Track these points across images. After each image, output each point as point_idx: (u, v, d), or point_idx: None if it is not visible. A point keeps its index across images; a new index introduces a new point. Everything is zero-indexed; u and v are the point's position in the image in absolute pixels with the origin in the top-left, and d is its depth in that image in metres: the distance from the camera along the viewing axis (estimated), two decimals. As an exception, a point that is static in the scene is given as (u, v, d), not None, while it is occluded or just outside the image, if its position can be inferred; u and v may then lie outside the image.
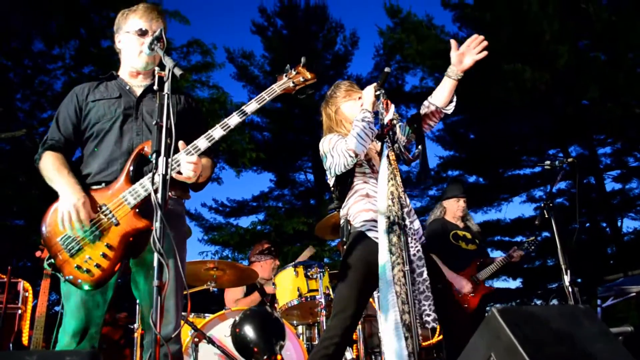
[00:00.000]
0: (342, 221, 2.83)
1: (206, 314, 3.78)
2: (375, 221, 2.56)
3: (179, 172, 2.11)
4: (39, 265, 3.85)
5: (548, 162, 3.91)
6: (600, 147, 15.82)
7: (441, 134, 18.03)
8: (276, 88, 2.39)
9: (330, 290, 3.81)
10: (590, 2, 12.02)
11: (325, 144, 2.79)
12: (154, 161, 1.80)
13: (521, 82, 12.23)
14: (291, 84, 2.41)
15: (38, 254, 3.81)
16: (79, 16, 11.64)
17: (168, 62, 1.93)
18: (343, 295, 2.56)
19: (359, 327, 3.83)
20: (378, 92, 2.63)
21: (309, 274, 3.73)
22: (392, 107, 2.60)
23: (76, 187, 2.13)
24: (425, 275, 2.34)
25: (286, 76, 2.42)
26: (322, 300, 3.58)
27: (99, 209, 2.12)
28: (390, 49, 16.38)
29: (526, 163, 16.73)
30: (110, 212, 2.11)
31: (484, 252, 4.89)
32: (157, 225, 1.69)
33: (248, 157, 12.43)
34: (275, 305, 3.80)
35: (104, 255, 2.07)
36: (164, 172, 1.76)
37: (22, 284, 3.94)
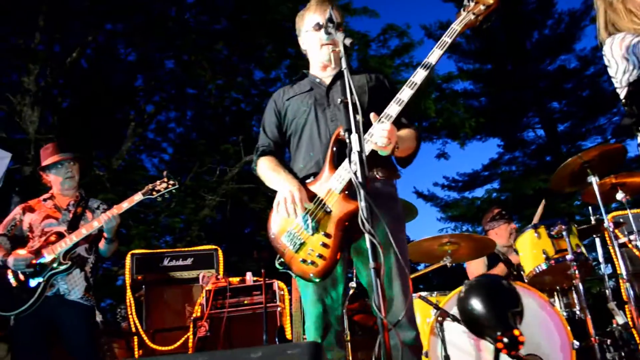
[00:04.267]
0: None
1: (447, 292, 3.63)
2: None
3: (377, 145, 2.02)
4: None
5: None
6: None
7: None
8: (456, 26, 2.19)
9: (582, 248, 3.31)
10: None
11: (616, 46, 2.32)
12: (346, 139, 1.74)
13: None
14: (472, 17, 2.18)
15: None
16: (284, 38, 12.65)
17: (339, 37, 1.87)
18: None
19: (629, 286, 3.25)
20: None
21: (552, 233, 3.30)
22: None
23: (291, 178, 2.22)
24: None
25: (464, 10, 2.20)
26: (575, 260, 3.13)
27: (312, 200, 2.16)
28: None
29: None
30: (322, 201, 2.13)
31: None
32: (362, 205, 1.62)
33: (468, 127, 11.96)
34: (522, 273, 3.46)
35: (324, 245, 2.08)
36: (358, 149, 1.68)
37: (277, 284, 4.34)
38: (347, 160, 2.09)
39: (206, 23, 13.18)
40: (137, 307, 4.90)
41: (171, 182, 3.23)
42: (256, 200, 11.50)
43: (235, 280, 4.47)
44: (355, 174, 1.67)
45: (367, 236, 1.60)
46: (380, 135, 2.00)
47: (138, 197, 3.19)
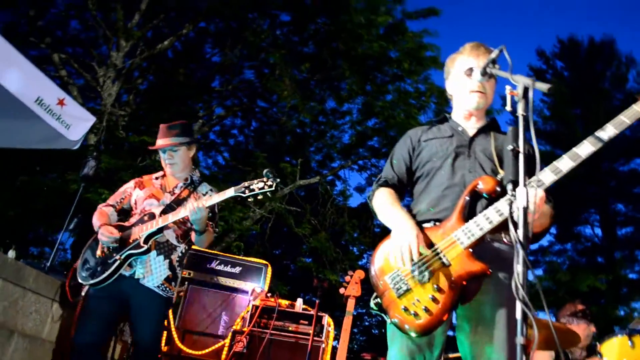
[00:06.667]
0: None
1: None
2: None
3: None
4: (343, 302, 4.00)
5: None
6: None
7: None
8: (624, 119, 1.94)
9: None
10: None
11: None
12: (509, 191, 1.56)
13: None
14: None
15: (342, 291, 3.95)
16: (367, 74, 12.67)
17: (521, 79, 1.69)
18: None
19: None
20: None
21: (650, 346, 2.99)
22: None
23: (410, 221, 2.03)
24: None
25: (638, 106, 1.97)
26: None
27: (429, 247, 1.96)
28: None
29: None
30: (441, 251, 1.94)
31: None
32: (519, 268, 1.43)
33: (529, 207, 11.55)
34: (603, 380, 3.14)
35: (433, 299, 1.88)
36: (525, 205, 1.49)
37: (326, 319, 4.11)
38: (481, 216, 1.92)
39: (295, 43, 13.37)
40: (175, 302, 4.77)
41: (269, 182, 2.89)
42: (301, 226, 11.35)
43: (284, 302, 4.28)
44: (516, 230, 1.48)
45: (519, 305, 1.39)
46: (531, 200, 1.78)
47: (230, 192, 2.93)
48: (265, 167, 3.13)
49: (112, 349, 4.02)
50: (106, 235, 3.00)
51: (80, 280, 3.06)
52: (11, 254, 4.04)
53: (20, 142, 5.38)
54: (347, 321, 3.84)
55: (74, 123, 5.06)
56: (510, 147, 1.62)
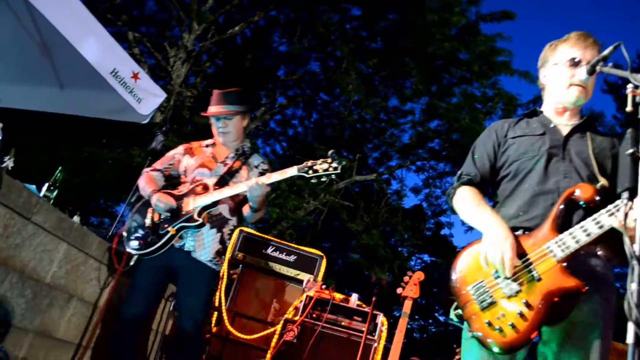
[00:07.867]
0: None
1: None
2: None
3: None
4: (400, 302, 3.87)
5: None
6: None
7: None
8: None
9: None
10: None
11: None
12: (624, 199, 1.40)
13: None
14: None
15: (399, 291, 3.82)
16: (434, 74, 12.38)
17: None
18: None
19: None
20: None
21: None
22: None
23: (504, 224, 1.86)
24: None
25: None
26: None
27: (520, 258, 1.80)
28: None
29: None
30: (531, 264, 1.78)
31: None
32: (633, 287, 1.26)
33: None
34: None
35: (521, 315, 1.72)
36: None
37: (381, 318, 3.98)
38: (577, 227, 1.74)
39: (364, 38, 13.23)
40: (227, 284, 4.77)
41: (334, 164, 2.72)
42: (354, 221, 11.26)
43: (338, 296, 4.19)
44: (631, 243, 1.31)
45: (630, 326, 1.23)
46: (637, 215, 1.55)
47: (292, 171, 2.79)
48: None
49: (164, 322, 4.06)
50: (163, 202, 2.91)
51: (129, 250, 2.99)
52: (76, 219, 4.13)
53: (91, 111, 5.49)
54: (403, 322, 3.72)
55: (146, 97, 5.11)
56: (630, 151, 1.44)
